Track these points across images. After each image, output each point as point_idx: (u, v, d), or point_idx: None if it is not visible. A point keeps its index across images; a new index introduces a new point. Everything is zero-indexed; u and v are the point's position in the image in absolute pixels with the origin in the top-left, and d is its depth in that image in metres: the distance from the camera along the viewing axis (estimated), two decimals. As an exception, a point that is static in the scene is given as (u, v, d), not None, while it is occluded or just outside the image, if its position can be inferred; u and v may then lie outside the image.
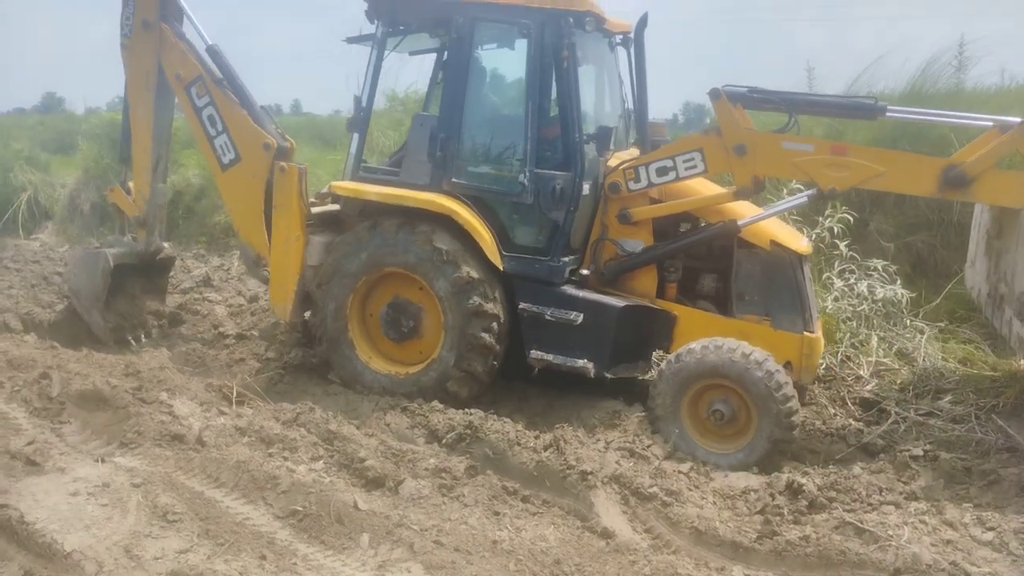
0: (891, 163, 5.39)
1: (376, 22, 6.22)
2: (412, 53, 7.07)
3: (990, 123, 5.36)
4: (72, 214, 14.03)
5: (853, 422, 5.96)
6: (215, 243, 11.91)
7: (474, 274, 5.80)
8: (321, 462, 4.71)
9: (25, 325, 7.32)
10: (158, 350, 6.78)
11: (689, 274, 6.09)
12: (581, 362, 5.77)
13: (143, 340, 7.31)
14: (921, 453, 5.32)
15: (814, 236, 7.90)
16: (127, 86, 7.09)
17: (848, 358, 6.83)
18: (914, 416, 5.84)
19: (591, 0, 6.03)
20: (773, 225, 5.99)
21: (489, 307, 5.82)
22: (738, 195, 5.76)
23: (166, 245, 7.74)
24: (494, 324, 5.86)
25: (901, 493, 4.77)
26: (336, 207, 6.62)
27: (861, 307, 7.17)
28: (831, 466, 5.25)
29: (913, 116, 6.06)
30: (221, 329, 7.67)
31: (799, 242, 6.02)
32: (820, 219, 7.91)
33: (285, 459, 4.67)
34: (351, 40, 6.73)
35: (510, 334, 6.02)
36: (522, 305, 5.93)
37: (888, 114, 5.57)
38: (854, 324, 7.12)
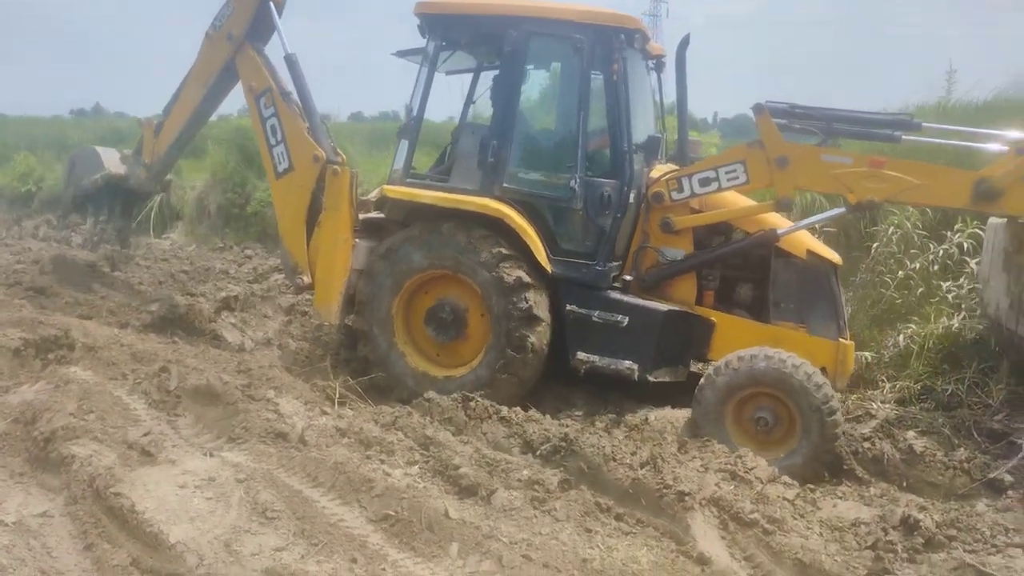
0: (926, 176, 5.64)
1: (427, 37, 6.47)
2: (449, 73, 7.26)
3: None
4: (200, 215, 14.81)
5: (979, 455, 5.53)
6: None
7: (523, 275, 6.00)
8: (416, 467, 4.73)
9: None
10: (269, 349, 7.03)
11: (726, 282, 6.31)
12: (626, 364, 6.00)
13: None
14: (1056, 492, 4.90)
15: (941, 252, 7.46)
16: (193, 67, 7.62)
17: (975, 384, 6.37)
18: (1049, 451, 5.38)
19: (640, 19, 6.30)
20: (806, 236, 6.31)
21: (535, 304, 6.01)
22: (778, 206, 5.95)
23: (170, 177, 8.88)
24: (539, 319, 6.04)
25: (1031, 535, 4.39)
26: (379, 215, 6.77)
27: (992, 330, 6.67)
28: (952, 502, 4.92)
29: (943, 141, 6.23)
30: (328, 330, 7.87)
31: (831, 253, 6.32)
32: (948, 234, 7.44)
33: (382, 462, 4.72)
34: (400, 54, 6.93)
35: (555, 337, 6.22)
36: (569, 307, 6.14)
37: (917, 135, 5.85)
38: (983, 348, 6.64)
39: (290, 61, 6.98)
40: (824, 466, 5.35)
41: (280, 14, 7.16)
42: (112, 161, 8.24)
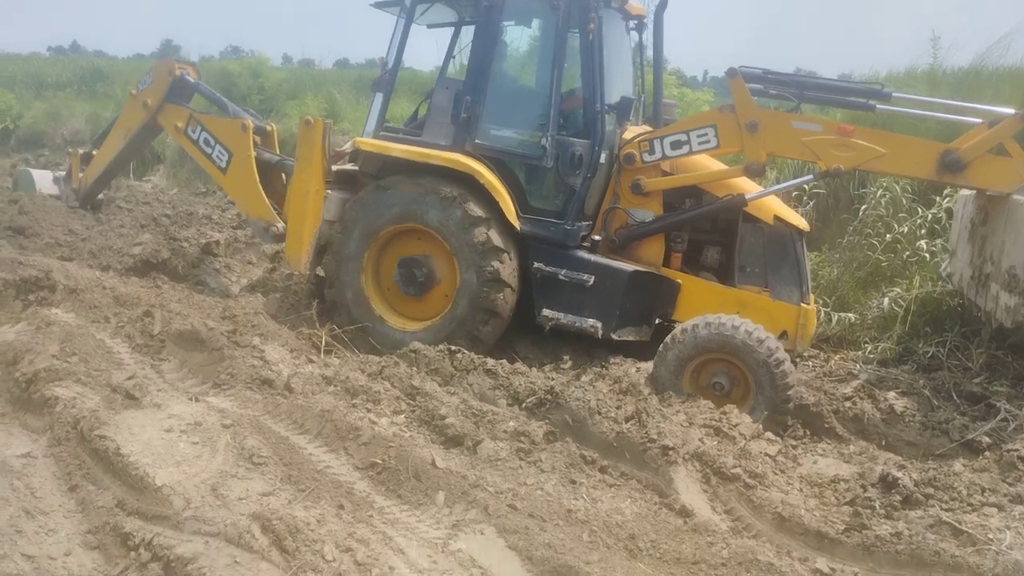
0: (893, 145, 5.63)
1: None
2: (431, 26, 7.19)
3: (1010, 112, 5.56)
4: (183, 158, 14.54)
5: (958, 416, 5.62)
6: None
7: (492, 233, 6.01)
8: (403, 416, 4.74)
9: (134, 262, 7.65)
10: (254, 295, 6.98)
11: (693, 245, 6.35)
12: (591, 322, 6.05)
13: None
14: (1031, 454, 4.98)
15: (929, 216, 7.49)
16: (120, 116, 8.50)
17: (956, 348, 6.44)
18: (1026, 414, 5.47)
19: None
20: (774, 201, 6.28)
21: (504, 260, 6.04)
22: (748, 171, 5.95)
23: (101, 197, 9.49)
24: (507, 272, 6.07)
25: (1005, 495, 4.44)
26: (353, 167, 6.73)
27: (975, 294, 6.73)
28: (930, 461, 4.99)
29: (910, 111, 6.18)
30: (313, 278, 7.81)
31: (798, 219, 6.33)
32: (937, 199, 7.46)
33: (368, 411, 4.72)
34: (378, 5, 6.88)
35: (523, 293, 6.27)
36: (536, 265, 6.16)
37: (887, 105, 5.81)
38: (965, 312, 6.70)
39: (196, 87, 7.94)
40: (786, 416, 5.45)
41: (197, 78, 8.06)
42: (46, 184, 9.23)
